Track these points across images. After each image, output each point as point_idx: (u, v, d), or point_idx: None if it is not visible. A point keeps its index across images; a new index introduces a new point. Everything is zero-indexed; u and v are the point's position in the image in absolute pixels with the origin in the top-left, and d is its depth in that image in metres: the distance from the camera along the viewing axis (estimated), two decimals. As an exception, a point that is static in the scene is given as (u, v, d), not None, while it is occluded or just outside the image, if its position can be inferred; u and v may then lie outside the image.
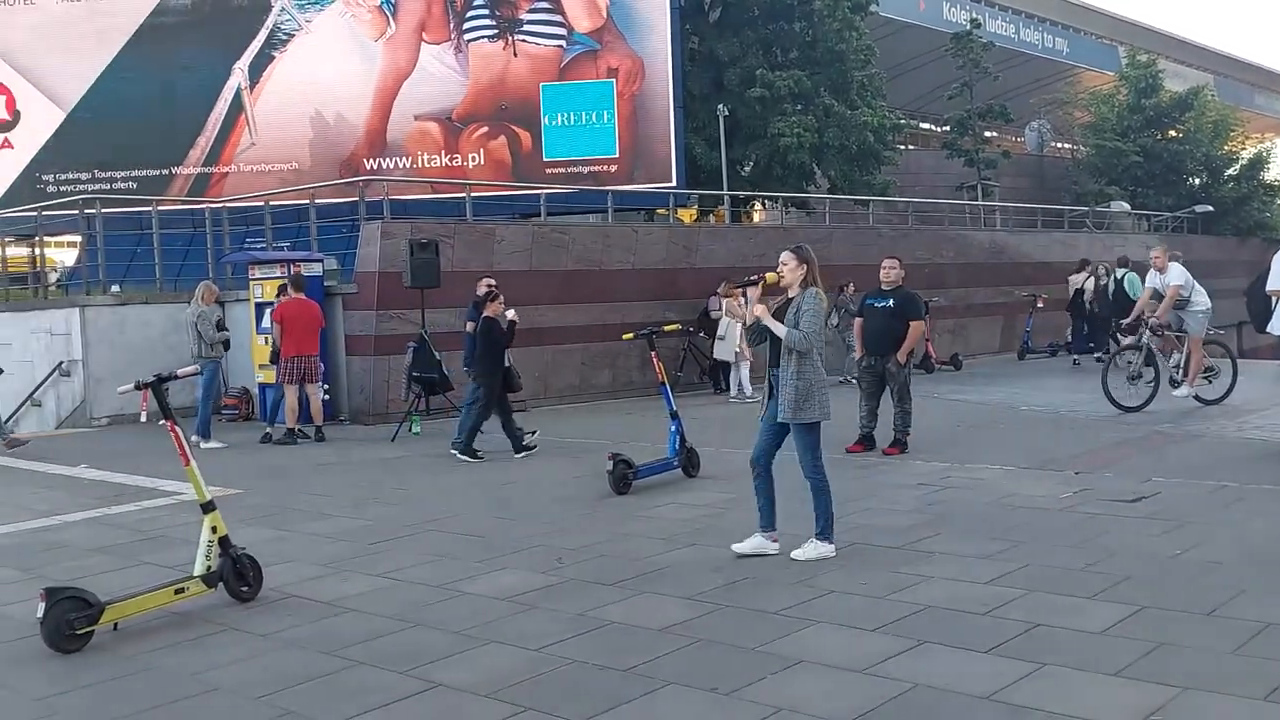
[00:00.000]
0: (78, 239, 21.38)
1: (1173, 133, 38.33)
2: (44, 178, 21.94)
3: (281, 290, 12.98)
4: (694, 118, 24.89)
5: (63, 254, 27.83)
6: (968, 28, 32.89)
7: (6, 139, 22.08)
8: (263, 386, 13.79)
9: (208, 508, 5.79)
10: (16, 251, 21.61)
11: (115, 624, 5.33)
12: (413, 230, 14.15)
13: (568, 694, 4.44)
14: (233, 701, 4.52)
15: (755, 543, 6.47)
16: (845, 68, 26.50)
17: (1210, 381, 12.61)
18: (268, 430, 12.63)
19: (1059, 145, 45.50)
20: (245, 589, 5.89)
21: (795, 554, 6.32)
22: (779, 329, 6.31)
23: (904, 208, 25.67)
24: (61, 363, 15.13)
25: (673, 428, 9.12)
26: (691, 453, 9.20)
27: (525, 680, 4.60)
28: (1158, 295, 12.52)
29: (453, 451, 10.68)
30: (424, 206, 18.74)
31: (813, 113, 25.47)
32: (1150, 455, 9.66)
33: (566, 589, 5.96)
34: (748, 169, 26.66)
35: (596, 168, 22.17)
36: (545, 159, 22.07)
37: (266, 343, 13.25)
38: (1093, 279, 19.34)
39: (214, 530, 5.77)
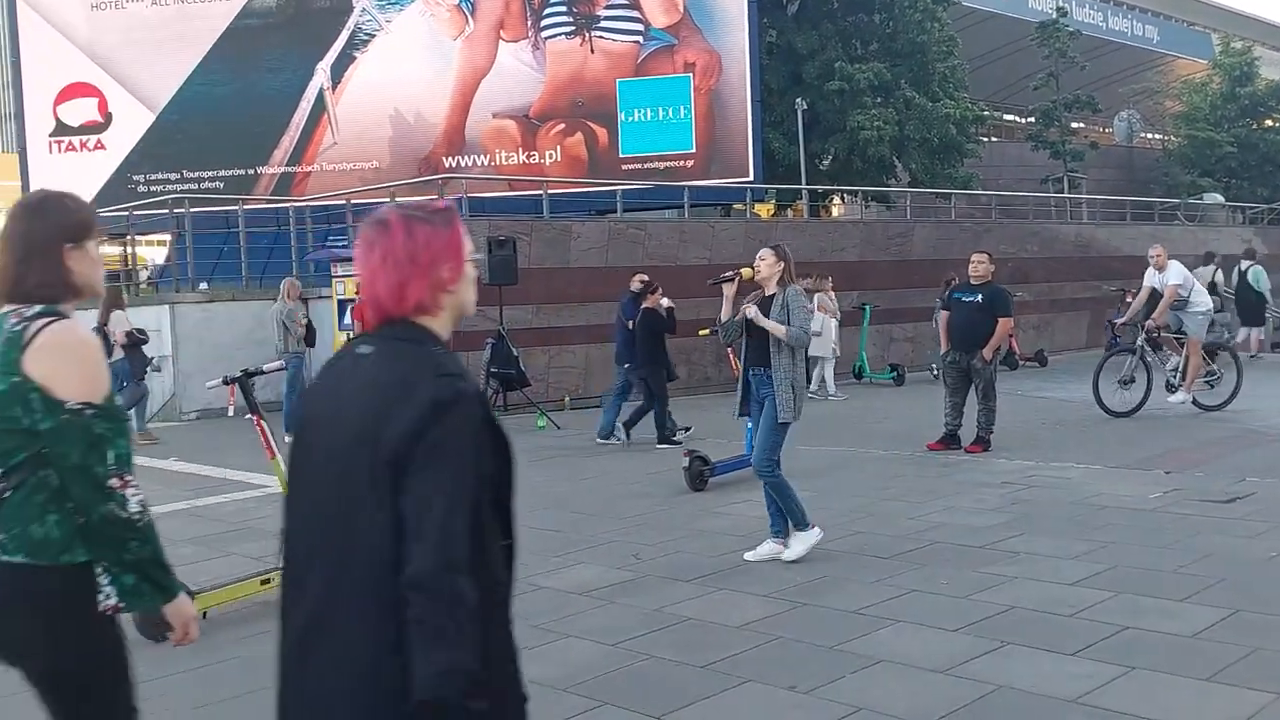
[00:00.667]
0: (167, 238, 21.99)
1: (1269, 122, 37.14)
2: (135, 178, 22.56)
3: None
4: (772, 112, 24.74)
5: (153, 252, 28.65)
6: (1054, 16, 32.18)
7: (99, 141, 22.74)
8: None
9: (292, 500, 5.88)
10: (109, 250, 22.27)
11: (205, 612, 5.45)
12: (490, 228, 14.28)
13: (645, 689, 4.44)
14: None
15: (768, 549, 6.37)
16: (926, 59, 26.13)
17: (1212, 386, 11.95)
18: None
19: (1149, 136, 44.34)
20: (329, 580, 5.97)
21: (785, 555, 6.24)
22: (778, 329, 6.20)
23: (987, 201, 25.23)
24: (152, 359, 15.55)
25: (749, 424, 9.06)
26: (769, 451, 9.12)
27: (602, 674, 4.61)
28: (1157, 295, 11.88)
29: (611, 440, 11.08)
30: (501, 204, 18.89)
31: (893, 105, 25.15)
32: (1243, 454, 9.36)
33: (643, 584, 5.97)
34: (826, 163, 26.43)
35: (673, 163, 22.13)
36: (621, 155, 22.09)
37: (348, 338, 13.47)
38: (1220, 272, 18.50)
39: (298, 522, 5.86)
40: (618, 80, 22.10)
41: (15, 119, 24.50)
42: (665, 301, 11.03)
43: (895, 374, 16.33)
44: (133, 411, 12.98)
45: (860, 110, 24.53)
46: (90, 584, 2.45)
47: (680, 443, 10.58)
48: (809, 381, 15.54)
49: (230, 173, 22.50)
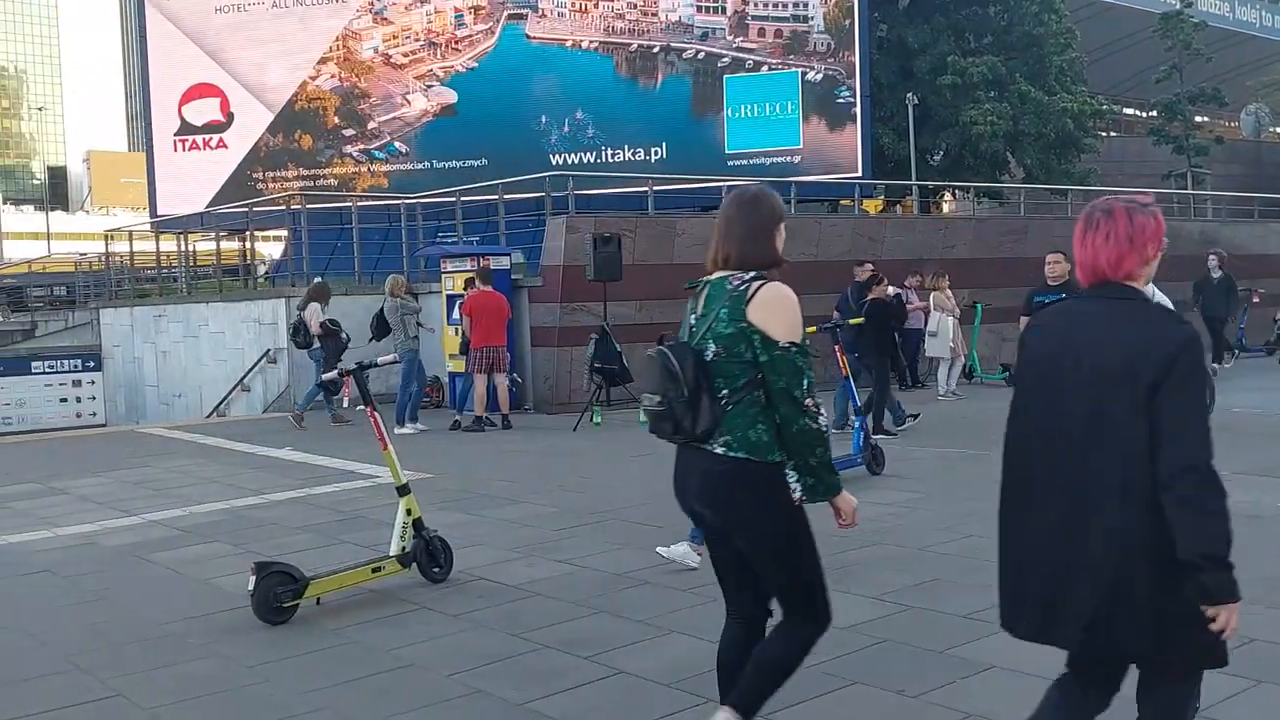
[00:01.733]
0: (284, 233, 22.67)
1: None
2: (254, 176, 23.28)
3: (469, 283, 13.38)
4: (881, 107, 24.42)
5: (270, 247, 29.55)
6: (1177, 7, 31.10)
7: (221, 139, 23.54)
8: (453, 375, 14.25)
9: (403, 490, 6.00)
10: (229, 245, 23.05)
11: (318, 599, 5.58)
12: (596, 224, 14.35)
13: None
14: (426, 678, 4.67)
15: (681, 550, 6.14)
16: (1043, 52, 25.50)
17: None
18: (457, 418, 13.03)
19: (1279, 130, 42.51)
20: (437, 570, 6.08)
21: (660, 550, 6.17)
22: None
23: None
24: (269, 350, 16.03)
25: (857, 423, 8.95)
26: (876, 449, 9.00)
27: (708, 671, 4.55)
28: None
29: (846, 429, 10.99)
30: (607, 200, 18.98)
31: (1007, 100, 24.60)
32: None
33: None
34: (937, 158, 25.99)
35: (779, 159, 21.97)
36: (727, 151, 22.01)
37: (456, 333, 13.68)
38: None
39: (409, 512, 5.98)
40: (725, 77, 22.03)
41: (142, 118, 25.50)
42: (890, 289, 11.28)
43: (1008, 374, 15.94)
44: (321, 396, 13.45)
45: (973, 105, 24.05)
46: (784, 478, 3.25)
47: (893, 433, 10.75)
48: (914, 381, 15.34)
49: (344, 170, 23.06)
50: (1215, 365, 15.00)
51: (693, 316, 3.44)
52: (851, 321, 10.26)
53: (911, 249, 17.23)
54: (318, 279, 14.51)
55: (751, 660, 3.40)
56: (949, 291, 15.11)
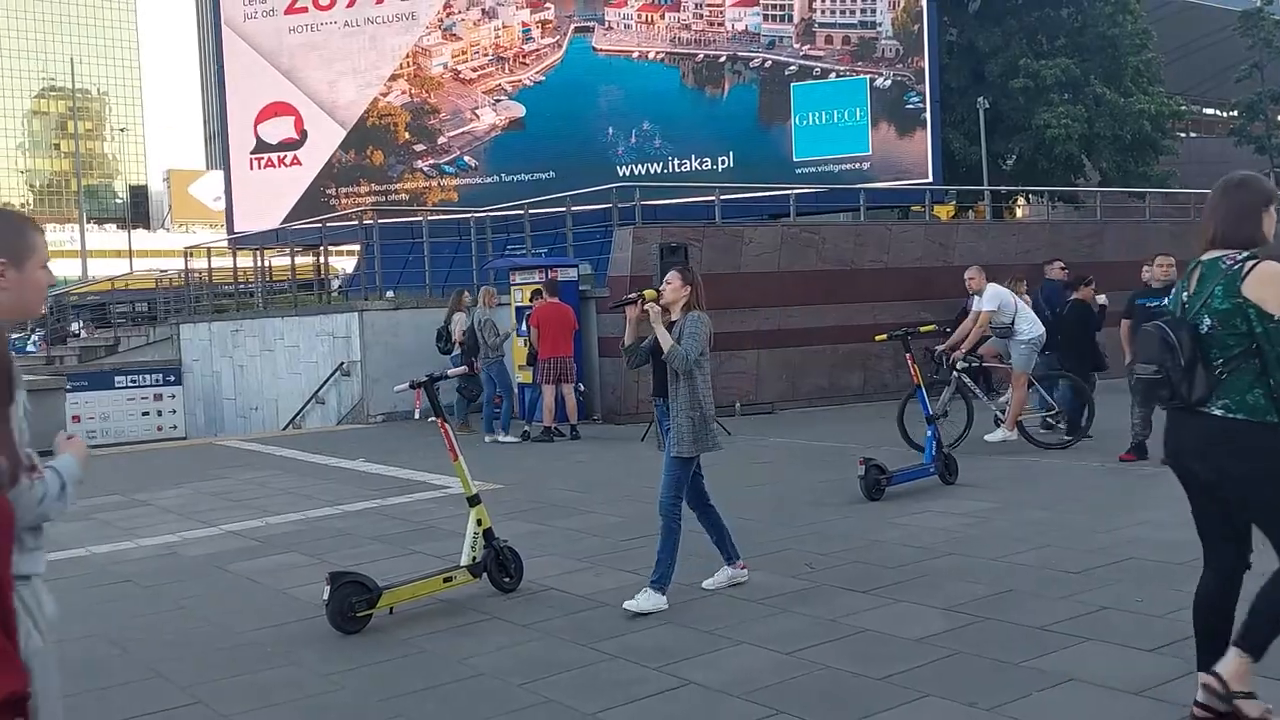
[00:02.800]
0: (356, 248, 23.02)
1: None
2: (327, 191, 23.70)
3: (536, 295, 13.48)
4: (951, 111, 24.15)
5: (342, 262, 30.05)
6: (1258, 4, 30.33)
7: (295, 157, 24.00)
8: (522, 386, 14.35)
9: (473, 501, 6.04)
10: (303, 261, 23.48)
11: (391, 608, 5.64)
12: (663, 234, 14.36)
13: (820, 699, 4.36)
14: (497, 686, 4.70)
15: (726, 575, 6.01)
16: (1118, 53, 25.03)
17: (1054, 424, 10.77)
18: (526, 428, 13.11)
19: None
20: (507, 580, 6.12)
21: (628, 604, 5.63)
22: (665, 338, 5.68)
23: (1185, 200, 23.89)
24: (342, 363, 16.28)
25: (929, 432, 8.83)
26: (949, 459, 8.87)
27: (776, 683, 4.55)
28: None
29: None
30: (674, 211, 18.99)
31: (1082, 102, 24.20)
32: None
33: (818, 593, 5.87)
34: (1010, 163, 25.62)
35: (848, 166, 21.81)
36: (795, 159, 21.92)
37: (525, 345, 13.78)
38: None
39: (479, 523, 6.03)
40: (792, 84, 21.94)
41: (219, 137, 26.12)
42: (1101, 299, 11.00)
43: (1083, 381, 15.64)
44: (456, 403, 13.72)
45: (1046, 108, 23.68)
46: None
47: (1063, 438, 10.56)
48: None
49: (415, 185, 23.39)
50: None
51: (1185, 294, 3.74)
52: (923, 329, 10.12)
53: (985, 255, 16.96)
54: (455, 291, 14.76)
55: (1254, 606, 3.66)
56: (1027, 297, 14.83)
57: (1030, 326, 10.62)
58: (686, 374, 5.68)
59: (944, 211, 24.29)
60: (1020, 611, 5.35)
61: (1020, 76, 23.46)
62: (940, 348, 10.61)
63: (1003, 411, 10.79)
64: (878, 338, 9.81)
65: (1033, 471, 9.43)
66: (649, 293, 5.85)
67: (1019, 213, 28.25)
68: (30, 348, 29.56)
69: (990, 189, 22.24)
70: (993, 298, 10.59)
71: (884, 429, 11.29)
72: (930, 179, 21.47)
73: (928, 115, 21.86)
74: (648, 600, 5.60)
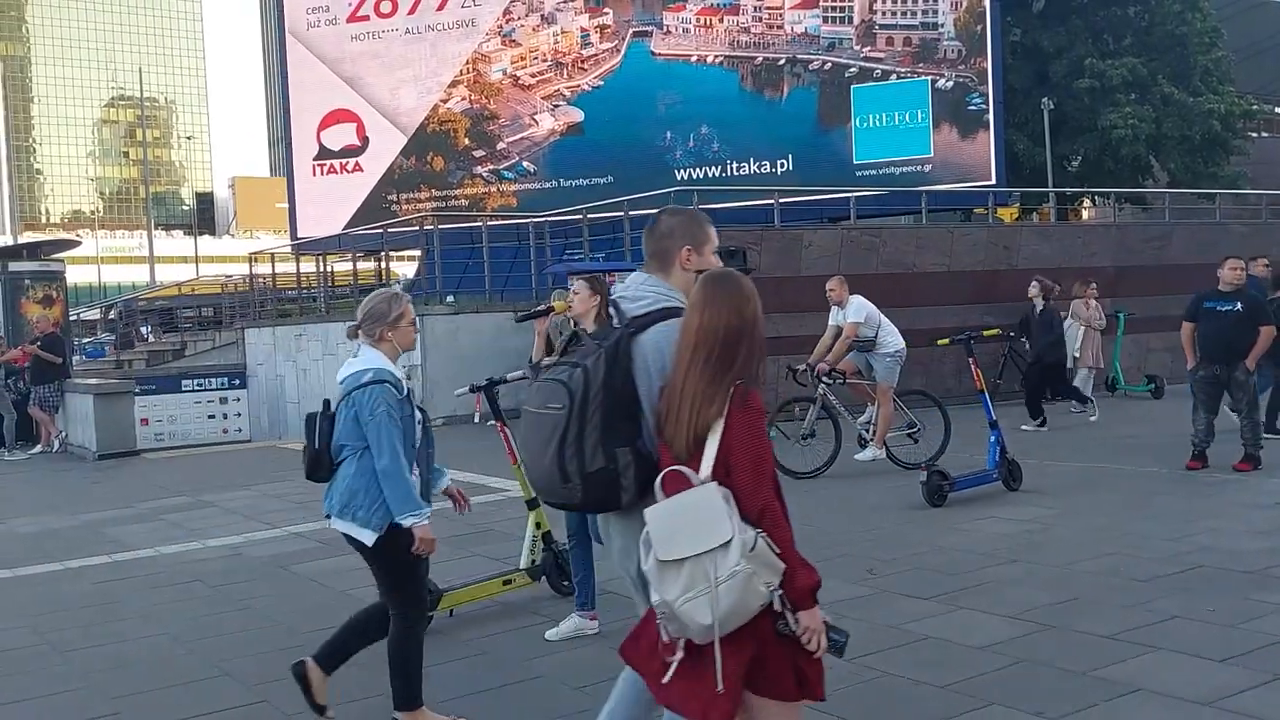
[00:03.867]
0: (417, 253, 23.25)
1: None
2: (388, 197, 23.97)
3: None
4: (1015, 113, 23.82)
5: (404, 267, 30.38)
6: (1332, -1, 29.55)
7: (357, 163, 24.30)
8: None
9: (532, 504, 6.06)
10: (365, 266, 23.76)
11: (451, 610, 5.68)
12: (721, 238, 14.28)
13: (881, 706, 4.32)
14: (556, 689, 4.71)
15: (573, 624, 5.43)
16: (1187, 52, 24.54)
17: (916, 440, 10.21)
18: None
19: None
20: (566, 583, 6.12)
21: (550, 634, 5.35)
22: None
23: (1256, 201, 23.33)
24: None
25: (992, 438, 8.70)
26: (1013, 465, 8.74)
27: (837, 689, 4.48)
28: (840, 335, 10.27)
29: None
30: (733, 214, 18.93)
31: (1149, 102, 23.75)
32: None
33: (879, 599, 5.81)
34: (1075, 164, 25.23)
35: (909, 168, 21.60)
36: (855, 161, 21.74)
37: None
38: None
39: (538, 526, 6.05)
40: (852, 87, 21.78)
41: (283, 144, 26.52)
42: None
43: (1153, 386, 15.33)
44: None
45: (1113, 108, 23.28)
46: None
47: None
48: (1055, 394, 14.83)
49: (475, 190, 23.58)
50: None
51: None
52: (986, 334, 9.98)
53: (1049, 258, 16.71)
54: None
55: None
56: (1090, 300, 14.59)
57: (893, 339, 10.21)
58: None
59: (1007, 214, 23.96)
60: (1086, 620, 5.25)
61: (1086, 77, 23.08)
62: (801, 366, 10.21)
63: (867, 430, 10.44)
64: (940, 342, 9.69)
65: (1097, 478, 9.25)
66: (558, 304, 5.47)
67: (1084, 215, 27.79)
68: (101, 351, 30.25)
69: (1055, 191, 21.90)
70: (858, 310, 10.22)
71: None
72: (993, 181, 21.17)
73: (990, 117, 21.56)
74: (570, 625, 5.32)
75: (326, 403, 4.33)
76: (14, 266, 18.20)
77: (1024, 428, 12.15)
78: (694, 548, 2.53)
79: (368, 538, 4.06)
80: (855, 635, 5.15)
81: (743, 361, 2.73)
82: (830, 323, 10.47)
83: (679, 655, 2.57)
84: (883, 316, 10.40)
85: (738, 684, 2.58)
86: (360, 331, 4.30)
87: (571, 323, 11.78)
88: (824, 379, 9.92)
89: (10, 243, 39.51)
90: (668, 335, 2.89)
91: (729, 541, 2.52)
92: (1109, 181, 24.02)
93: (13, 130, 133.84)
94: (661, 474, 2.63)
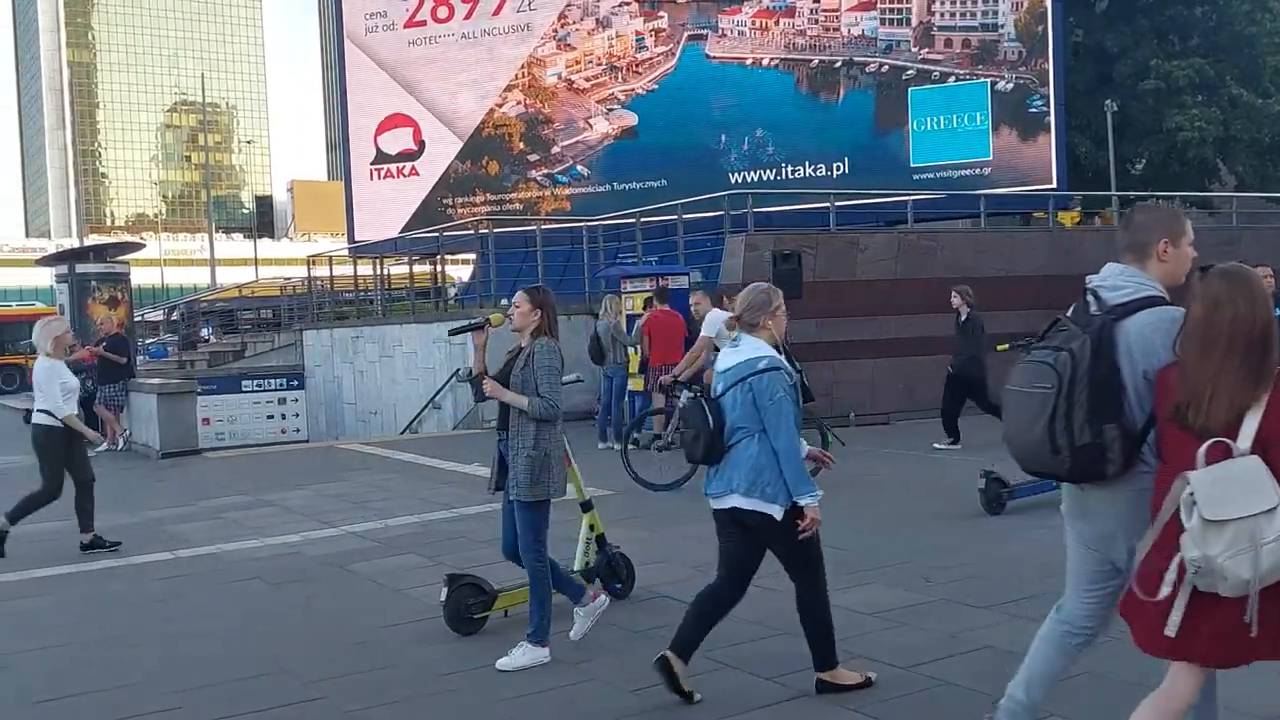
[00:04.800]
0: (472, 257, 23.42)
1: None
2: (444, 201, 24.16)
3: (648, 303, 13.50)
4: (1077, 115, 23.45)
5: (459, 270, 30.60)
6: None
7: (413, 167, 24.53)
8: (633, 394, 14.37)
9: (586, 507, 6.06)
10: (421, 269, 23.98)
11: (506, 611, 5.69)
12: (776, 242, 14.25)
13: (938, 715, 4.26)
14: (608, 692, 4.69)
15: (527, 656, 5.09)
16: (1256, 52, 24.01)
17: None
18: (636, 436, 13.12)
19: None
20: (619, 586, 6.12)
21: (501, 663, 5.04)
22: (518, 400, 5.10)
23: (1327, 204, 22.81)
24: (458, 370, 16.54)
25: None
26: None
27: (894, 697, 4.45)
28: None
29: None
30: (788, 218, 18.84)
31: (1217, 104, 23.27)
32: None
33: (937, 608, 5.73)
34: (1139, 167, 24.78)
35: (967, 171, 21.35)
36: (912, 164, 21.54)
37: (635, 352, 13.80)
38: None
39: (592, 528, 6.04)
40: (910, 89, 21.57)
41: (341, 149, 26.84)
42: None
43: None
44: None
45: (1179, 110, 22.83)
46: None
47: None
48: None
49: (529, 195, 23.69)
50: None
51: None
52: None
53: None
54: (608, 296, 14.63)
55: None
56: None
57: None
58: (548, 420, 5.14)
59: (1069, 218, 23.60)
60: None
61: (1151, 78, 22.67)
62: (667, 377, 10.09)
63: None
64: (999, 347, 9.57)
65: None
66: (495, 317, 5.45)
67: (1147, 219, 27.28)
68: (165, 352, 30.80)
69: (1118, 194, 21.50)
70: (713, 323, 10.19)
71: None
72: (1054, 184, 20.86)
73: (1052, 119, 21.25)
74: (524, 655, 5.06)
75: (704, 389, 4.63)
76: (81, 268, 18.58)
77: (936, 446, 11.76)
78: (1242, 511, 2.85)
79: (776, 512, 4.36)
80: (912, 644, 5.10)
81: (1274, 349, 2.99)
82: (702, 333, 10.44)
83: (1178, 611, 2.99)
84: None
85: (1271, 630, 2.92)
86: (740, 321, 4.58)
87: (605, 331, 11.50)
88: (684, 391, 9.83)
89: (77, 245, 40.39)
90: (1153, 322, 3.21)
91: (1274, 509, 2.84)
92: (1175, 185, 23.56)
93: (79, 135, 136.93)
94: (1206, 444, 2.91)
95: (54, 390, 8.01)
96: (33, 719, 4.77)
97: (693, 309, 10.76)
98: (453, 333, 5.68)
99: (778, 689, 4.61)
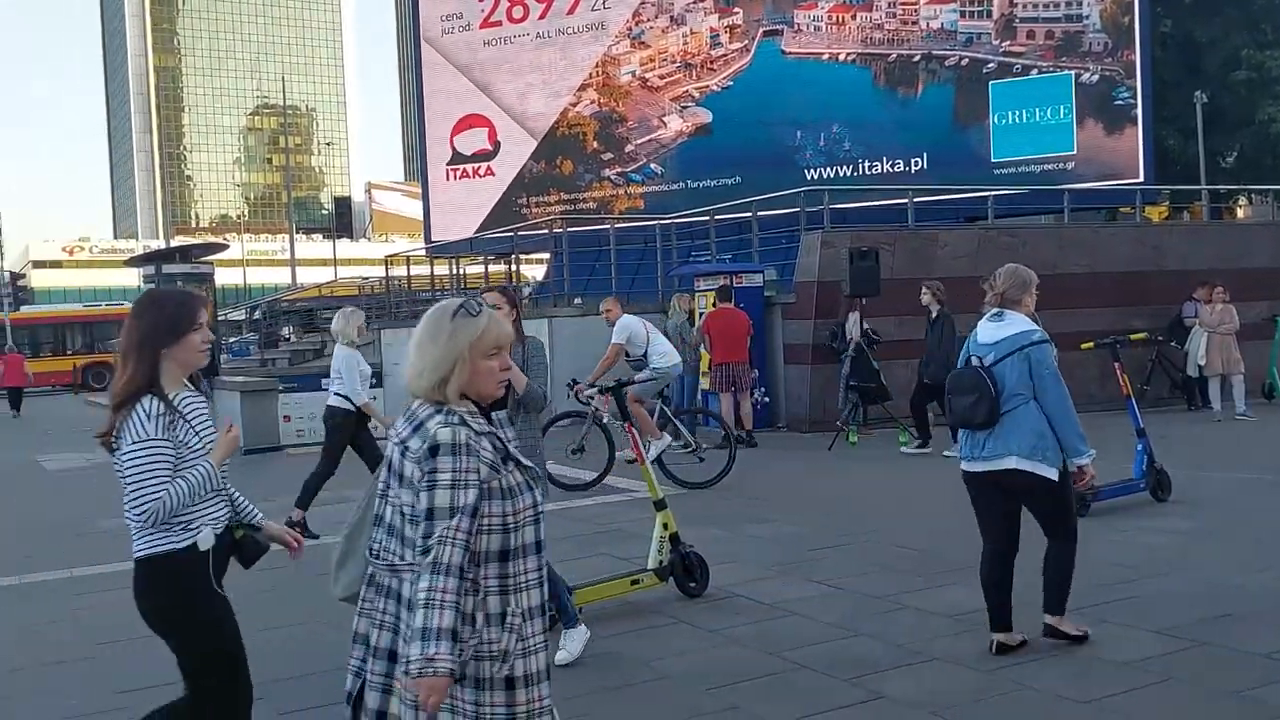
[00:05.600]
0: (546, 256, 23.55)
1: None
2: (518, 201, 24.33)
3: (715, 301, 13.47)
4: (1165, 107, 22.82)
5: (533, 270, 30.82)
6: None
7: (489, 168, 24.73)
8: (704, 393, 14.33)
9: (660, 505, 6.04)
10: (496, 268, 24.18)
11: (580, 608, 5.69)
12: (853, 239, 14.09)
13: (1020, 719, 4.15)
14: (682, 690, 4.67)
15: (575, 640, 5.12)
16: (1353, 41, 23.17)
17: (702, 460, 10.13)
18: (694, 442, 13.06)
19: None
20: (693, 585, 6.09)
21: (560, 657, 4.96)
22: (518, 378, 4.96)
23: None
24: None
25: (1139, 446, 8.33)
26: (1161, 474, 8.34)
27: (973, 701, 4.36)
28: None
29: None
30: (865, 215, 18.62)
31: (1312, 95, 22.50)
32: None
33: (1019, 611, 5.57)
34: (1230, 160, 24.08)
35: (1050, 165, 20.89)
36: (993, 159, 21.13)
37: (705, 351, 13.75)
38: None
39: (665, 527, 6.02)
40: (990, 83, 21.17)
41: (418, 150, 27.17)
42: None
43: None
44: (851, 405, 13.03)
45: (1272, 101, 22.15)
46: None
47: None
48: (1204, 401, 14.20)
49: (604, 194, 23.75)
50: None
51: None
52: (1133, 338, 9.58)
53: (1203, 258, 15.96)
54: (850, 294, 14.15)
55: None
56: (1216, 304, 13.76)
57: (662, 360, 10.07)
58: (536, 410, 5.14)
59: (1156, 213, 22.99)
60: (1240, 637, 4.97)
61: (1242, 69, 22.01)
62: (580, 385, 9.97)
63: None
64: (1084, 346, 9.33)
65: (1253, 490, 8.78)
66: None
67: (1240, 213, 26.48)
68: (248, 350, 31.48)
69: (1208, 188, 20.91)
70: (622, 330, 10.21)
71: (1093, 440, 10.74)
72: (1141, 179, 20.31)
73: (1139, 111, 20.69)
74: (574, 641, 5.09)
75: (978, 359, 4.96)
76: (167, 269, 19.06)
77: (904, 450, 11.54)
78: None
79: (1053, 474, 4.81)
80: (994, 647, 4.99)
81: None
82: (613, 340, 10.42)
83: None
84: (656, 336, 10.44)
85: None
86: (1004, 297, 5.01)
87: (675, 329, 11.34)
88: (591, 397, 9.52)
89: (163, 246, 41.46)
90: None
91: None
92: (1268, 178, 22.84)
93: (165, 138, 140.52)
94: None
95: (354, 377, 8.49)
96: (118, 707, 4.88)
97: (604, 316, 10.78)
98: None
99: (856, 691, 4.54)
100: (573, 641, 5.12)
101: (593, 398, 9.55)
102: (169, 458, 3.14)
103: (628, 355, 10.38)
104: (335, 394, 8.61)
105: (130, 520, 3.20)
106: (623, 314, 10.64)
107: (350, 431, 8.59)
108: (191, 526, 3.23)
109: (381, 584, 2.67)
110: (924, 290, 11.69)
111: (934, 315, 11.56)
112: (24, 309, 43.90)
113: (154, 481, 3.11)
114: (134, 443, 3.12)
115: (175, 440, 3.16)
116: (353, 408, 8.49)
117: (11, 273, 46.65)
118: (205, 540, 3.25)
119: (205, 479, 3.21)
